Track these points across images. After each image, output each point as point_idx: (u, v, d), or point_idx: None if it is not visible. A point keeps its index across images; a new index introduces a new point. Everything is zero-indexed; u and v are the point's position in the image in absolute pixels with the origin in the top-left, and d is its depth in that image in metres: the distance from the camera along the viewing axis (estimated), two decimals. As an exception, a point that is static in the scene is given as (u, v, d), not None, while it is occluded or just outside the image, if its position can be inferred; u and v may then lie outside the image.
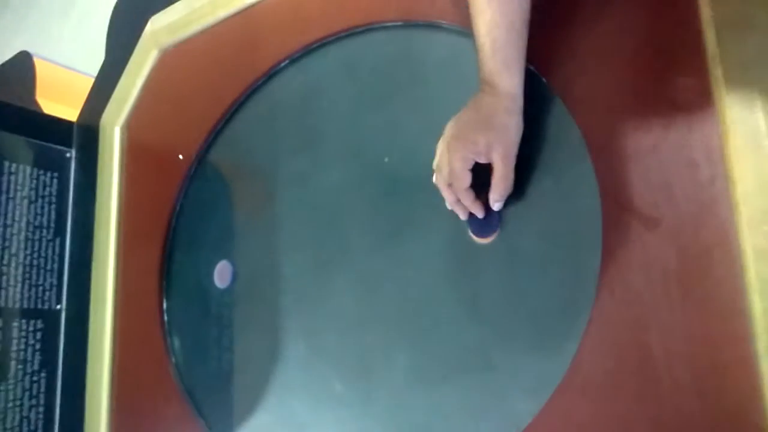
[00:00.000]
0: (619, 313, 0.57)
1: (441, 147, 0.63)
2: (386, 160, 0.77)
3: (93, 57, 1.29)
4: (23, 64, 1.38)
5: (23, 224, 1.04)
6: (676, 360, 0.54)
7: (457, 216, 0.68)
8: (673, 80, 0.57)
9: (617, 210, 0.58)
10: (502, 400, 0.63)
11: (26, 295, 1.04)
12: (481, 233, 0.67)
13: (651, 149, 0.57)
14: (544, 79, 0.65)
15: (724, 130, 0.54)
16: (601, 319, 0.58)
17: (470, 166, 0.61)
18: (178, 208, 0.99)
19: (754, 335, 0.51)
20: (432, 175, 0.70)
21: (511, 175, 0.62)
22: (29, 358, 1.01)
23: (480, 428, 0.63)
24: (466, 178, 0.62)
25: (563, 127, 0.62)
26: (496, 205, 0.64)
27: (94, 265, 1.07)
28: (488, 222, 0.66)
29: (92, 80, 1.18)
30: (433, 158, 0.68)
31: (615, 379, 0.57)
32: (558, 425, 0.59)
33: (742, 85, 0.53)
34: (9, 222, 1.03)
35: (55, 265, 1.08)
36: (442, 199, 0.71)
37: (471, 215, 0.66)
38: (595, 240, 0.59)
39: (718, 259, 0.53)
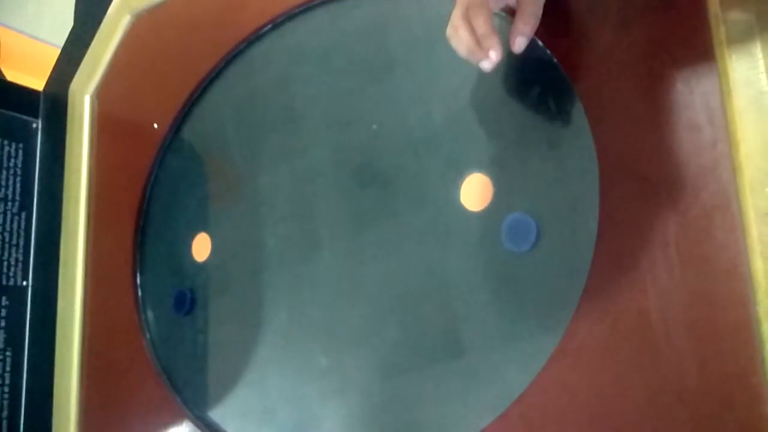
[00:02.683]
0: (616, 278, 0.56)
1: None
2: (374, 127, 0.74)
3: (59, 27, 1.24)
4: (-15, 30, 1.32)
5: (-14, 197, 1.00)
6: (674, 325, 0.53)
7: (448, 185, 0.66)
8: (675, 42, 0.56)
9: (615, 174, 0.57)
10: (494, 370, 0.62)
11: (-10, 270, 0.99)
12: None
13: (651, 112, 0.56)
14: (540, 42, 0.63)
15: (726, 91, 0.53)
16: (597, 284, 0.57)
17: None
18: (152, 179, 0.95)
19: (755, 299, 0.50)
20: (424, 142, 0.69)
21: (541, 3, 0.57)
22: (-7, 336, 0.97)
23: (472, 398, 0.62)
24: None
25: (560, 91, 0.61)
26: (518, 41, 0.57)
27: (63, 239, 1.03)
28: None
29: (59, 50, 1.13)
30: (423, 124, 0.66)
31: (611, 345, 0.56)
32: (552, 392, 0.58)
33: (744, 45, 0.52)
34: (-29, 194, 0.98)
35: (21, 240, 1.03)
36: (432, 168, 0.69)
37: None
38: (592, 205, 0.58)
39: (719, 222, 0.52)
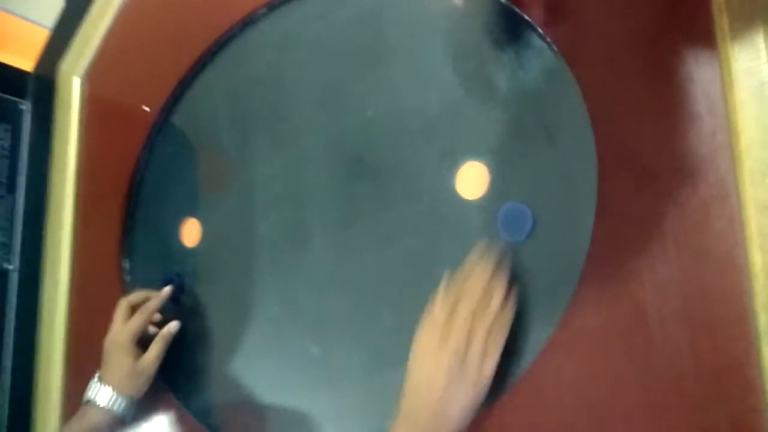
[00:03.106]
0: (612, 269, 0.55)
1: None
2: (369, 113, 0.73)
3: (49, 7, 1.22)
4: (-28, 10, 1.29)
5: (-28, 178, 0.98)
6: (669, 316, 0.52)
7: (443, 173, 0.65)
8: (677, 30, 0.55)
9: (613, 163, 0.56)
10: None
11: (-26, 253, 0.98)
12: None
13: (651, 101, 0.55)
14: (539, 29, 0.62)
15: (728, 81, 0.52)
16: (593, 274, 0.56)
17: None
18: (142, 163, 0.94)
19: (752, 291, 0.49)
20: (420, 130, 0.68)
21: None
22: (-23, 320, 0.95)
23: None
24: None
25: (559, 77, 0.60)
26: None
27: (50, 223, 1.01)
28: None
29: (48, 31, 1.11)
30: (417, 112, 0.64)
31: (606, 335, 0.55)
32: (546, 383, 0.57)
33: (747, 35, 0.52)
34: (-43, 175, 0.96)
35: (7, 223, 1.01)
36: (428, 155, 0.68)
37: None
38: (589, 193, 0.57)
39: (717, 214, 0.51)
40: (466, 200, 0.65)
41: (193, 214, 0.87)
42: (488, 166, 0.64)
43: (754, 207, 0.50)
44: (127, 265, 0.93)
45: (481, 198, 0.64)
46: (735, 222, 0.51)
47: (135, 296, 0.82)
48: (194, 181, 0.89)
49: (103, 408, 0.76)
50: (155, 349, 0.79)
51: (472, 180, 0.64)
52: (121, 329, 0.79)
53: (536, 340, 0.58)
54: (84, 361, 0.95)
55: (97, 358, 0.91)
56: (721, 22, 0.53)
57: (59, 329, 0.98)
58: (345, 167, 0.75)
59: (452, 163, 0.66)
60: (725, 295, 0.51)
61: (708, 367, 0.51)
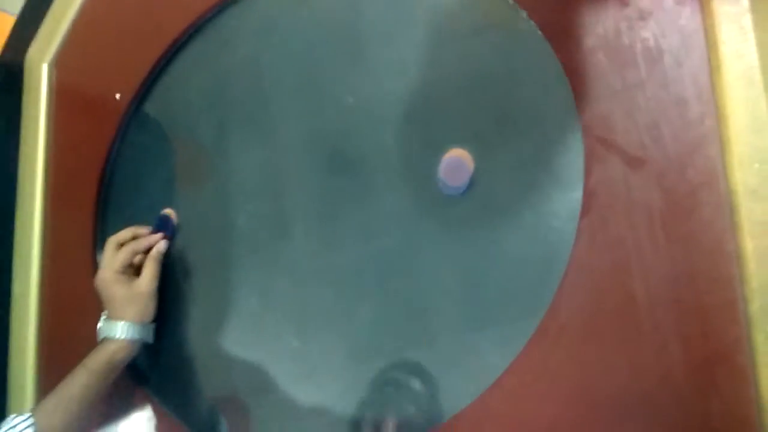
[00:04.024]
0: (599, 257, 0.54)
1: None
2: (351, 100, 0.71)
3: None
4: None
5: (-65, 171, 0.94)
6: (658, 304, 0.52)
7: (427, 163, 0.64)
8: (663, 14, 0.54)
9: (600, 150, 0.55)
10: (474, 351, 0.60)
11: (-61, 248, 0.94)
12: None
13: (637, 86, 0.54)
14: (524, 13, 0.61)
15: (716, 65, 0.51)
16: (580, 263, 0.55)
17: None
18: (114, 153, 0.91)
19: (742, 277, 0.49)
20: (402, 117, 0.66)
21: None
22: (-58, 318, 0.92)
23: (452, 379, 0.60)
24: None
25: (543, 61, 0.59)
26: None
27: (19, 217, 0.98)
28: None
29: (14, 19, 1.07)
30: (400, 99, 0.63)
31: (594, 324, 0.54)
32: (533, 372, 0.56)
33: (735, 17, 0.51)
34: None
35: (-27, 216, 0.98)
36: (410, 142, 0.67)
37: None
38: (576, 181, 0.56)
39: (705, 200, 0.51)
40: (451, 186, 0.63)
41: (169, 206, 0.84)
42: (472, 153, 0.62)
43: (743, 192, 0.49)
44: (100, 258, 0.90)
45: (464, 184, 0.62)
46: (724, 208, 0.50)
47: (122, 235, 0.81)
48: (170, 172, 0.86)
49: (118, 339, 0.76)
50: (148, 270, 0.79)
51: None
52: (104, 267, 0.79)
53: (522, 330, 0.57)
54: (56, 360, 0.92)
55: (69, 357, 0.88)
56: (709, 4, 0.52)
57: (30, 327, 0.95)
58: (325, 157, 0.73)
59: (436, 149, 0.64)
60: (714, 283, 0.50)
61: (698, 355, 0.50)
